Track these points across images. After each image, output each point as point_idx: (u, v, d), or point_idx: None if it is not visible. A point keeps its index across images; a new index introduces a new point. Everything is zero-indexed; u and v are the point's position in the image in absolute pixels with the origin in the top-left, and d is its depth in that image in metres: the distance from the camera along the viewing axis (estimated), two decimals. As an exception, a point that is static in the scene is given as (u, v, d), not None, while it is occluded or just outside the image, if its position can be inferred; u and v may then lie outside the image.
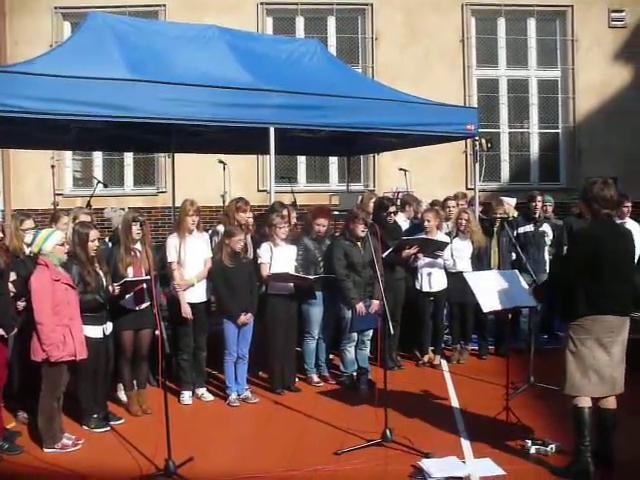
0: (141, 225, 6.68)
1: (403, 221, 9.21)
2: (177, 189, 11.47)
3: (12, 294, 6.15)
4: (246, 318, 7.34)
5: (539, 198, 9.38)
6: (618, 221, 9.12)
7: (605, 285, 5.20)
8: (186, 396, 7.39)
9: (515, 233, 9.16)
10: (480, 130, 9.96)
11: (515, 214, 9.97)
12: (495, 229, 8.99)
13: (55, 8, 13.74)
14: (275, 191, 8.54)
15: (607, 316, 5.22)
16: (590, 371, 5.25)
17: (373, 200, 8.93)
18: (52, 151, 12.58)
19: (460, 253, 8.71)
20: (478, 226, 8.93)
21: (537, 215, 9.37)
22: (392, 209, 8.47)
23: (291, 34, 14.09)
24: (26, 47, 12.69)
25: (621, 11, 14.27)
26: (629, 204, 9.56)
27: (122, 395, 7.24)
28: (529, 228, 9.31)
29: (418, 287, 8.71)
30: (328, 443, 6.04)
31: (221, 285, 7.33)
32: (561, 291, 5.50)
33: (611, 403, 5.38)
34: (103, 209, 9.60)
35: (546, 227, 9.36)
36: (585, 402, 5.26)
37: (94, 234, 6.40)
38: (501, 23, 14.57)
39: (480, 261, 8.78)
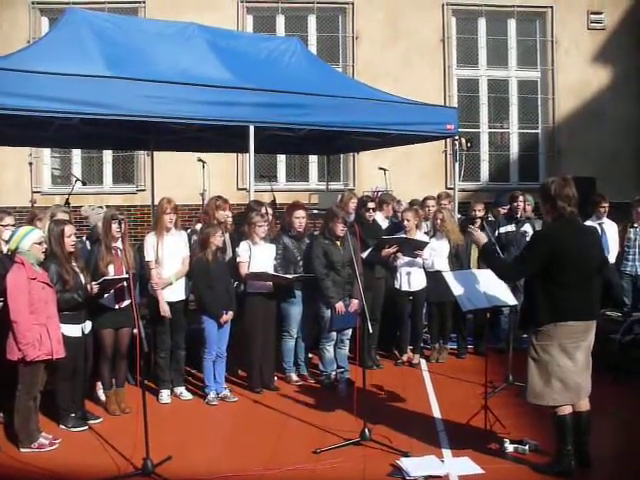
0: (120, 223, 6.65)
1: (382, 220, 9.23)
2: (156, 187, 11.41)
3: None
4: (228, 317, 7.34)
5: (521, 198, 9.36)
6: (596, 221, 9.26)
7: (569, 288, 5.11)
8: (164, 395, 7.35)
9: (497, 233, 9.18)
10: (460, 130, 9.98)
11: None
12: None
13: (33, 3, 13.59)
14: (255, 190, 8.54)
15: (570, 322, 5.14)
16: (553, 379, 5.20)
17: (353, 200, 8.94)
18: (30, 148, 12.46)
19: (437, 252, 8.72)
20: (455, 225, 8.95)
21: (519, 215, 9.38)
22: (370, 205, 8.52)
23: (271, 32, 14.03)
24: (3, 43, 12.54)
25: (600, 13, 14.37)
26: (606, 204, 9.62)
27: (100, 394, 7.18)
28: (510, 228, 9.26)
29: (397, 286, 8.71)
30: (307, 442, 6.04)
31: (202, 283, 7.30)
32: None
33: (584, 406, 5.36)
34: (82, 207, 9.52)
35: (527, 227, 9.36)
36: (566, 410, 5.24)
37: (69, 229, 6.33)
38: (481, 23, 14.61)
39: (458, 260, 8.81)
